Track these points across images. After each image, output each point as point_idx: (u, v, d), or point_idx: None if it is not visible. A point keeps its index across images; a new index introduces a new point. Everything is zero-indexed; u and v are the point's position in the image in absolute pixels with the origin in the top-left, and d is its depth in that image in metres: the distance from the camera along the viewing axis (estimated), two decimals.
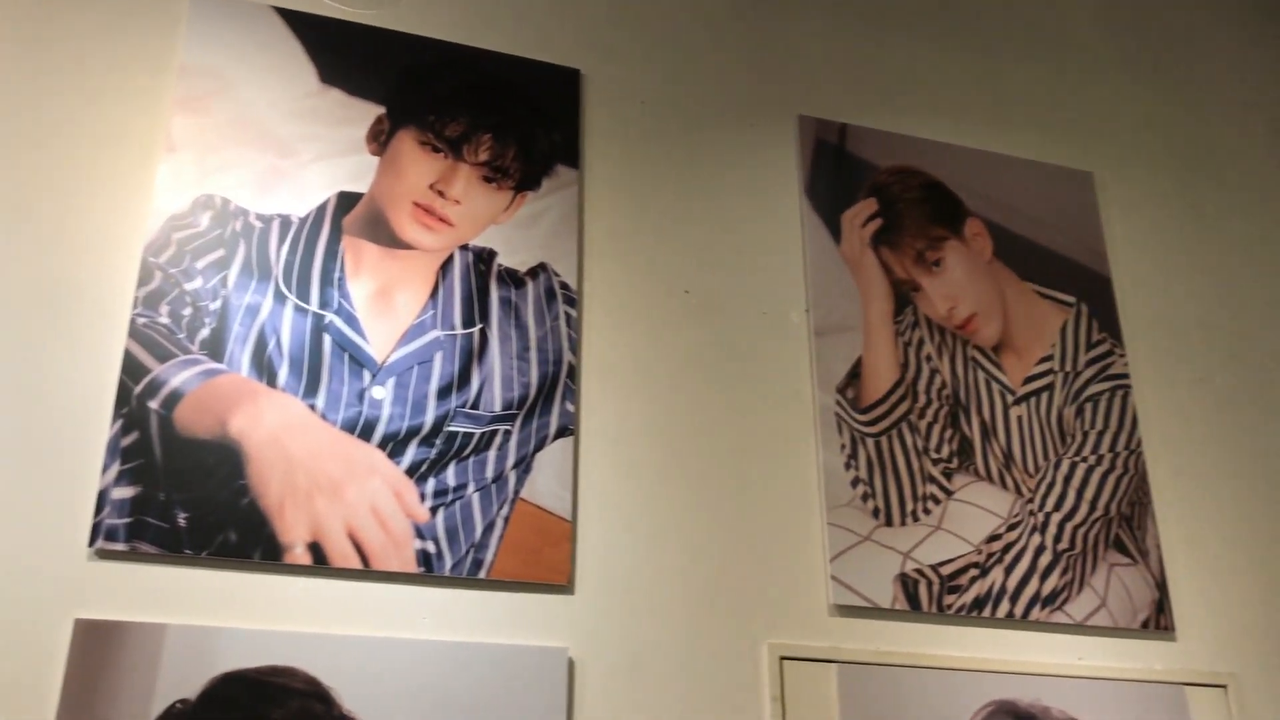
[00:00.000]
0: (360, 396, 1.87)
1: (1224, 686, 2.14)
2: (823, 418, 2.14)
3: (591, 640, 1.85)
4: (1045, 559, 2.13)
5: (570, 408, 1.99)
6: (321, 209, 1.99)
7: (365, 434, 1.86)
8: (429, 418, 1.90)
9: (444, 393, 1.92)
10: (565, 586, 1.88)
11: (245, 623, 1.70)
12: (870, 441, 2.14)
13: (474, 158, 2.08)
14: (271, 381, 1.84)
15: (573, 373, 2.02)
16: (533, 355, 2.00)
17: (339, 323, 1.91)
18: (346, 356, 1.89)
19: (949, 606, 2.05)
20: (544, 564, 1.87)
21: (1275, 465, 2.42)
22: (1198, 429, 2.40)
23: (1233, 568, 2.28)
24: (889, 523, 2.09)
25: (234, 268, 1.90)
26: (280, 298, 1.90)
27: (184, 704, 1.62)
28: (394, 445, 1.86)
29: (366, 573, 1.78)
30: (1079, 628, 2.11)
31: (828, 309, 2.23)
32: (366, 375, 1.89)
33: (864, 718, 1.92)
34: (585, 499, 1.95)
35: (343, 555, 1.77)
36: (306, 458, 1.81)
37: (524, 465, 1.92)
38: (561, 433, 1.97)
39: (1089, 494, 2.21)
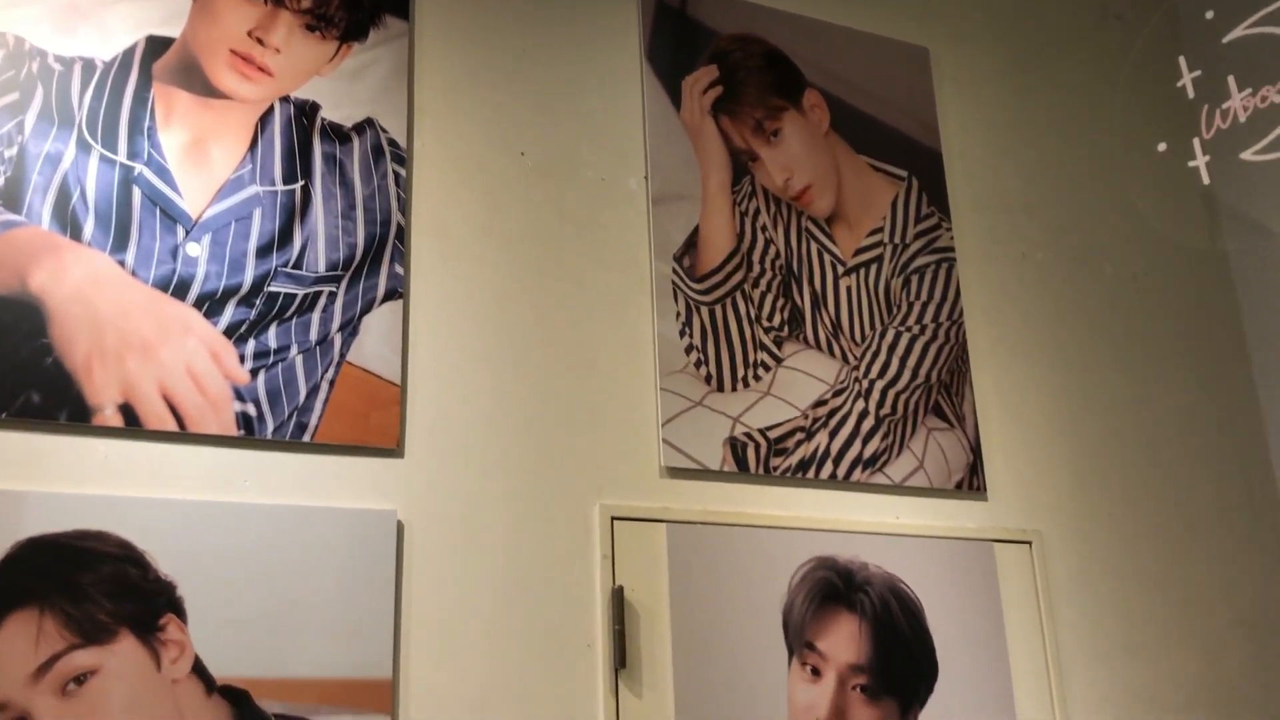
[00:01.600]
0: (173, 253, 1.78)
1: (1029, 543, 2.27)
2: (659, 285, 2.14)
3: (421, 503, 1.84)
4: (868, 424, 2.21)
5: (399, 270, 1.94)
6: (129, 53, 1.86)
7: (179, 293, 1.77)
8: (248, 277, 1.82)
9: (264, 251, 1.84)
10: (394, 450, 1.85)
11: (52, 486, 1.63)
12: (704, 309, 2.16)
13: (296, 4, 1.96)
14: (76, 235, 1.73)
15: (401, 234, 1.96)
16: (359, 215, 1.93)
17: (149, 175, 1.80)
18: (158, 211, 1.79)
19: (775, 469, 2.11)
20: (371, 428, 1.84)
21: (1089, 339, 2.54)
22: (1017, 302, 2.50)
23: (1043, 434, 2.40)
24: (720, 388, 2.12)
25: (31, 113, 1.77)
26: (85, 147, 1.78)
27: None
28: (210, 305, 1.79)
29: (183, 435, 1.72)
30: (897, 489, 2.20)
31: (666, 176, 2.22)
32: (180, 231, 1.80)
33: (692, 574, 1.97)
34: (415, 363, 1.91)
35: (157, 417, 1.70)
36: (116, 316, 1.72)
37: (350, 328, 1.87)
38: (390, 295, 1.92)
39: (911, 362, 2.28)
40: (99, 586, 1.58)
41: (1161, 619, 2.37)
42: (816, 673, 1.98)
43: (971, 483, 2.27)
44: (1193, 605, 2.41)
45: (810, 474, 2.13)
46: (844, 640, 2.01)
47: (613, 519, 1.96)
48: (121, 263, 1.75)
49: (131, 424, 1.69)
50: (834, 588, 2.05)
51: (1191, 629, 2.39)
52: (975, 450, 2.29)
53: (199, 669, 1.61)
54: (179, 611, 1.62)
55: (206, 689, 1.61)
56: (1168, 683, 2.32)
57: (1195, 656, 2.37)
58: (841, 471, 2.16)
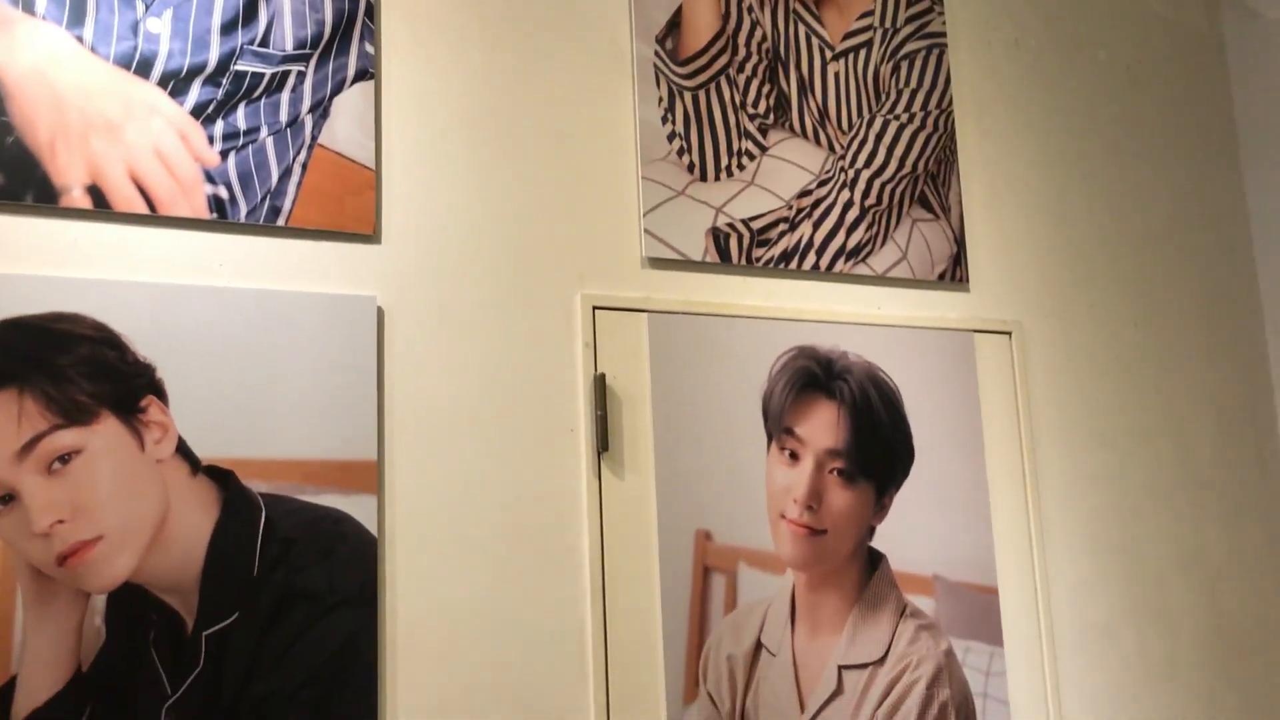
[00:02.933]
0: (134, 29, 1.71)
1: (1009, 334, 2.29)
2: (640, 69, 2.07)
3: (400, 289, 1.83)
4: (852, 214, 2.18)
5: (370, 49, 1.86)
6: None
7: (142, 71, 1.70)
8: (213, 55, 1.75)
9: (228, 28, 1.77)
10: (371, 236, 1.82)
11: (22, 268, 1.60)
12: (687, 95, 2.10)
13: None
14: (29, 8, 1.65)
15: (371, 11, 1.88)
16: None
17: None
18: None
19: (758, 259, 2.09)
20: (346, 212, 1.80)
21: (1078, 130, 2.50)
22: (1008, 91, 2.44)
23: (1028, 226, 2.39)
24: (703, 178, 2.08)
25: None
26: None
27: None
28: (175, 84, 1.72)
29: (154, 218, 1.69)
30: (880, 279, 2.19)
31: None
32: (140, 5, 1.71)
33: (673, 363, 1.98)
34: (389, 147, 1.86)
35: (125, 199, 1.66)
36: (77, 95, 1.65)
37: (321, 109, 1.81)
38: (361, 76, 1.85)
39: (899, 151, 2.24)
40: (77, 368, 1.57)
41: (1136, 411, 2.41)
42: (795, 457, 2.01)
43: (954, 274, 2.26)
44: (1167, 398, 2.45)
45: (793, 265, 2.12)
46: (822, 426, 2.04)
47: (594, 308, 1.95)
48: (79, 38, 1.67)
49: (100, 206, 1.65)
50: (814, 376, 2.06)
51: (1165, 421, 2.44)
52: (959, 241, 2.28)
53: (183, 450, 1.63)
54: (159, 393, 1.62)
55: (191, 469, 1.63)
56: (1138, 471, 2.38)
57: (1167, 447, 2.43)
58: (824, 262, 2.14)
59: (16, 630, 1.50)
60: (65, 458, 1.54)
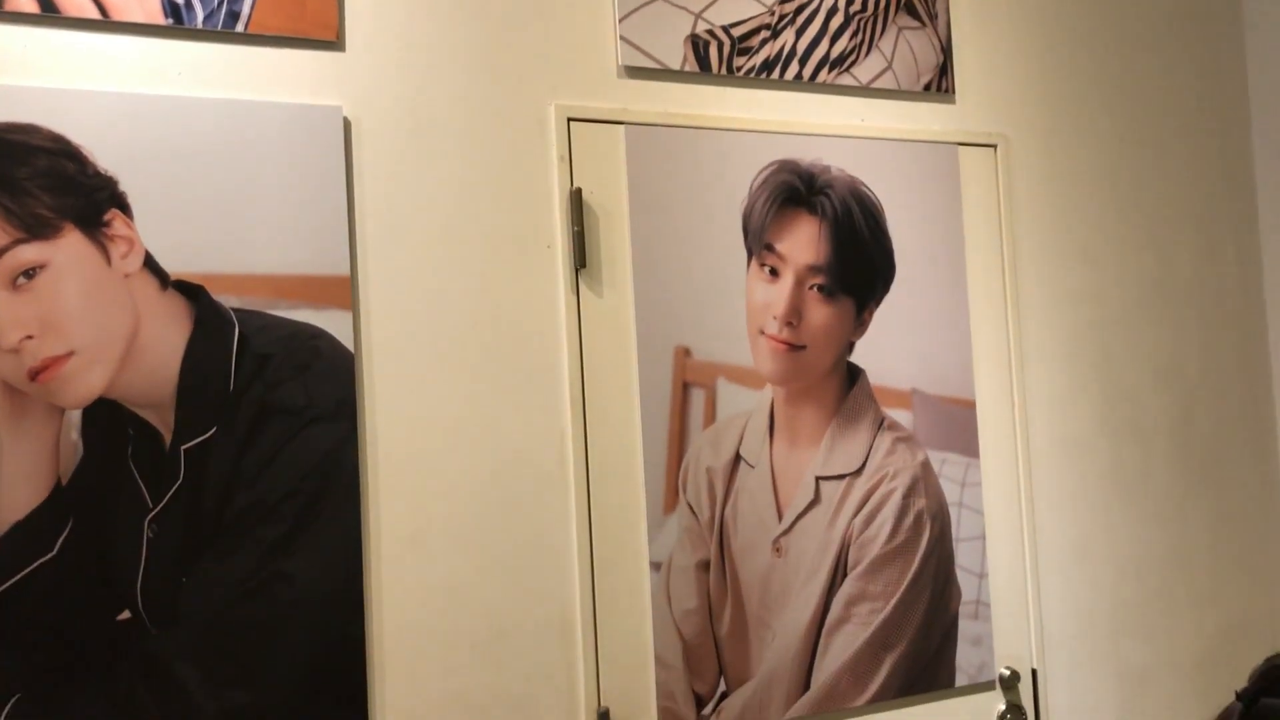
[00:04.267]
0: None
1: (994, 146, 2.24)
2: None
3: (367, 99, 1.76)
4: (837, 21, 2.10)
5: None
6: None
7: None
8: None
9: None
10: (335, 43, 1.75)
11: None
12: None
13: None
14: None
15: None
16: None
17: None
18: None
19: (738, 69, 2.03)
20: (308, 17, 1.72)
21: None
22: None
23: (1016, 35, 2.31)
24: None
25: None
26: None
27: None
28: None
29: (106, 23, 1.61)
30: (864, 90, 2.13)
31: None
32: None
33: (650, 177, 1.93)
34: None
35: (75, 3, 1.58)
36: None
37: None
38: None
39: None
40: (36, 181, 1.52)
41: (1118, 224, 2.39)
42: (775, 273, 1.99)
43: (940, 84, 2.20)
44: (1151, 214, 2.43)
45: (775, 74, 2.05)
46: (803, 242, 2.01)
47: (569, 120, 1.89)
48: None
49: (49, 11, 1.57)
50: (795, 191, 2.02)
51: (1148, 237, 2.42)
52: (946, 51, 2.21)
53: (151, 264, 1.59)
54: (123, 207, 1.58)
55: (160, 284, 1.60)
56: (1119, 284, 2.37)
57: (1149, 260, 2.42)
58: (807, 72, 2.08)
59: None
60: (30, 273, 1.51)
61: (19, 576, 1.49)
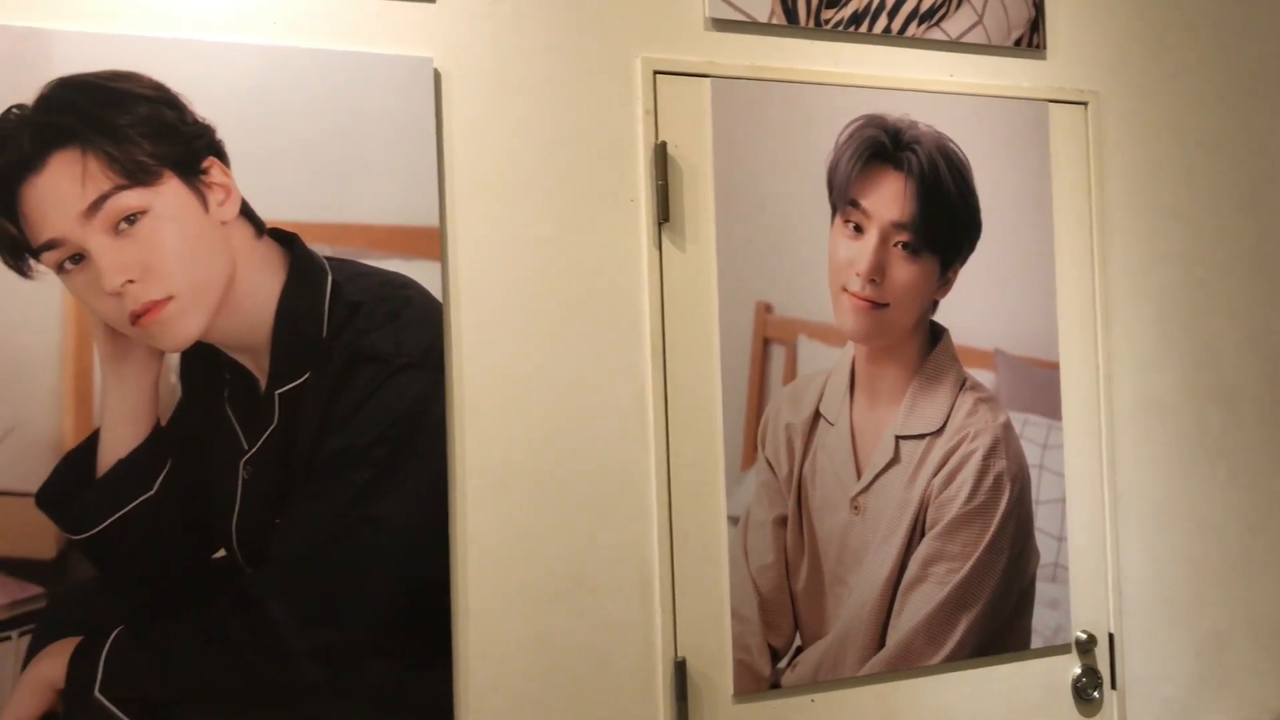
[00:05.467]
0: None
1: (1085, 104, 2.19)
2: None
3: (458, 51, 1.77)
4: None
5: None
6: None
7: None
8: None
9: None
10: None
11: (77, 24, 1.56)
12: None
13: None
14: None
15: None
16: None
17: None
18: None
19: (826, 22, 2.00)
20: None
21: None
22: None
23: None
24: None
25: None
26: None
27: (20, 109, 1.52)
28: None
29: None
30: (953, 45, 2.10)
31: None
32: None
33: (735, 131, 1.92)
34: None
35: None
36: None
37: None
38: None
39: None
40: (137, 128, 1.56)
41: (1214, 186, 2.33)
42: (859, 229, 1.98)
43: (1031, 40, 2.15)
44: (1248, 173, 2.36)
45: (863, 28, 2.03)
46: (888, 198, 1.99)
47: (655, 73, 1.89)
48: None
49: None
50: (881, 146, 2.00)
51: (1243, 197, 2.36)
52: (1038, 5, 2.16)
53: (247, 212, 1.62)
54: (220, 155, 1.61)
55: (256, 232, 1.63)
56: (1212, 246, 2.32)
57: (1245, 222, 2.35)
58: (896, 26, 2.05)
59: (96, 386, 1.54)
60: (131, 218, 1.54)
61: (121, 513, 1.54)
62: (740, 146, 1.93)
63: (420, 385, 1.69)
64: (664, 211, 1.87)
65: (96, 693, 1.51)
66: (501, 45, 1.80)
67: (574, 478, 1.80)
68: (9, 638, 1.49)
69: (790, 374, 1.94)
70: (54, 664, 1.50)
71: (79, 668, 1.50)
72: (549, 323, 1.80)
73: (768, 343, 1.93)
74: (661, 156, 1.87)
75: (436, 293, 1.72)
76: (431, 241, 1.72)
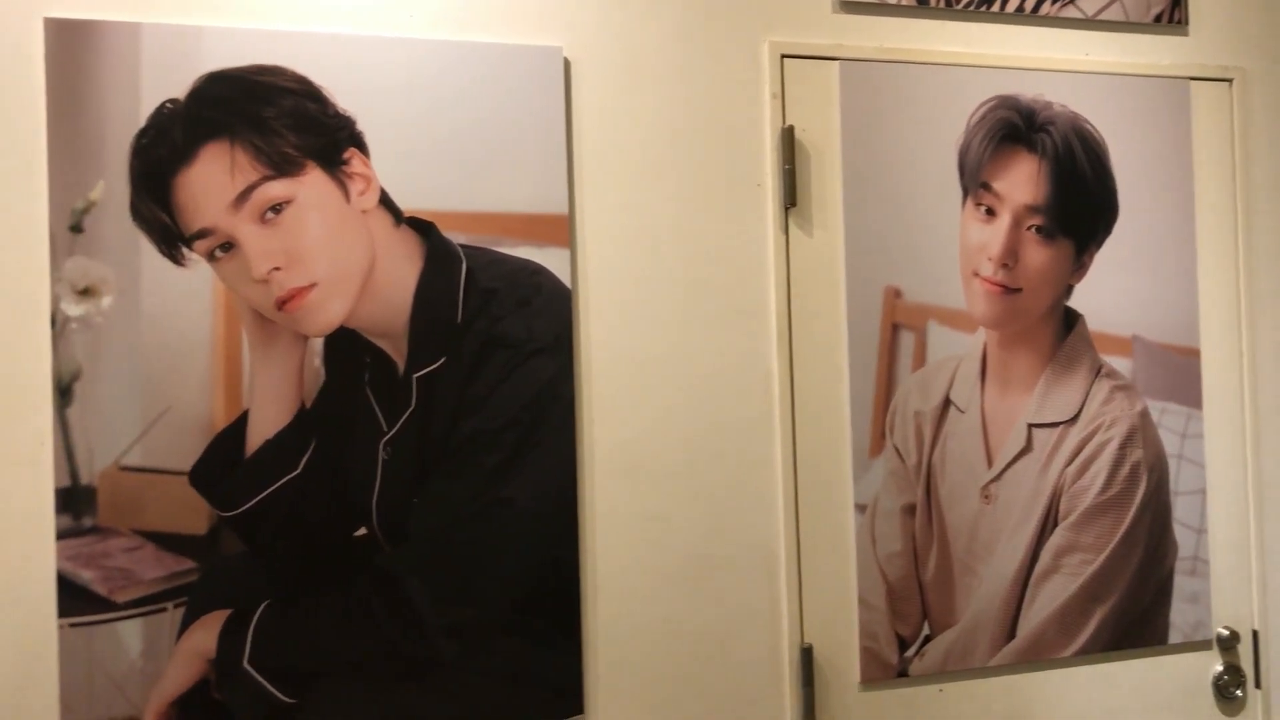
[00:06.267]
0: None
1: (1229, 81, 2.11)
2: None
3: (587, 39, 1.79)
4: None
5: None
6: None
7: None
8: None
9: None
10: None
11: (225, 21, 1.63)
12: None
13: None
14: None
15: None
16: None
17: None
18: None
19: (957, 1, 1.97)
20: None
21: None
22: None
23: None
24: None
25: None
26: None
27: (173, 104, 1.59)
28: None
29: None
30: (1090, 23, 2.04)
31: None
32: None
33: (865, 114, 1.90)
34: None
35: None
36: None
37: None
38: None
39: None
40: (282, 120, 1.61)
41: None
42: (991, 212, 1.94)
43: (1172, 15, 2.08)
44: None
45: (995, 7, 1.98)
46: (1022, 180, 1.94)
47: (782, 56, 1.88)
48: None
49: None
50: (1014, 127, 1.96)
51: None
52: None
53: (385, 201, 1.67)
54: (360, 146, 1.66)
55: (394, 220, 1.67)
56: None
57: None
58: (1030, 4, 2.00)
59: (245, 369, 1.61)
60: (277, 208, 1.60)
61: (268, 491, 1.60)
62: (869, 129, 1.91)
63: (550, 370, 1.72)
64: (791, 196, 1.86)
65: (245, 663, 1.57)
66: (630, 32, 1.81)
67: (700, 462, 1.81)
68: (165, 609, 1.57)
69: (920, 360, 1.91)
70: (206, 635, 1.57)
71: (229, 639, 1.57)
72: (676, 308, 1.81)
73: (897, 329, 1.90)
74: (789, 141, 1.86)
75: (566, 279, 1.74)
76: (561, 229, 1.75)
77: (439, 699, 1.65)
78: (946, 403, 1.92)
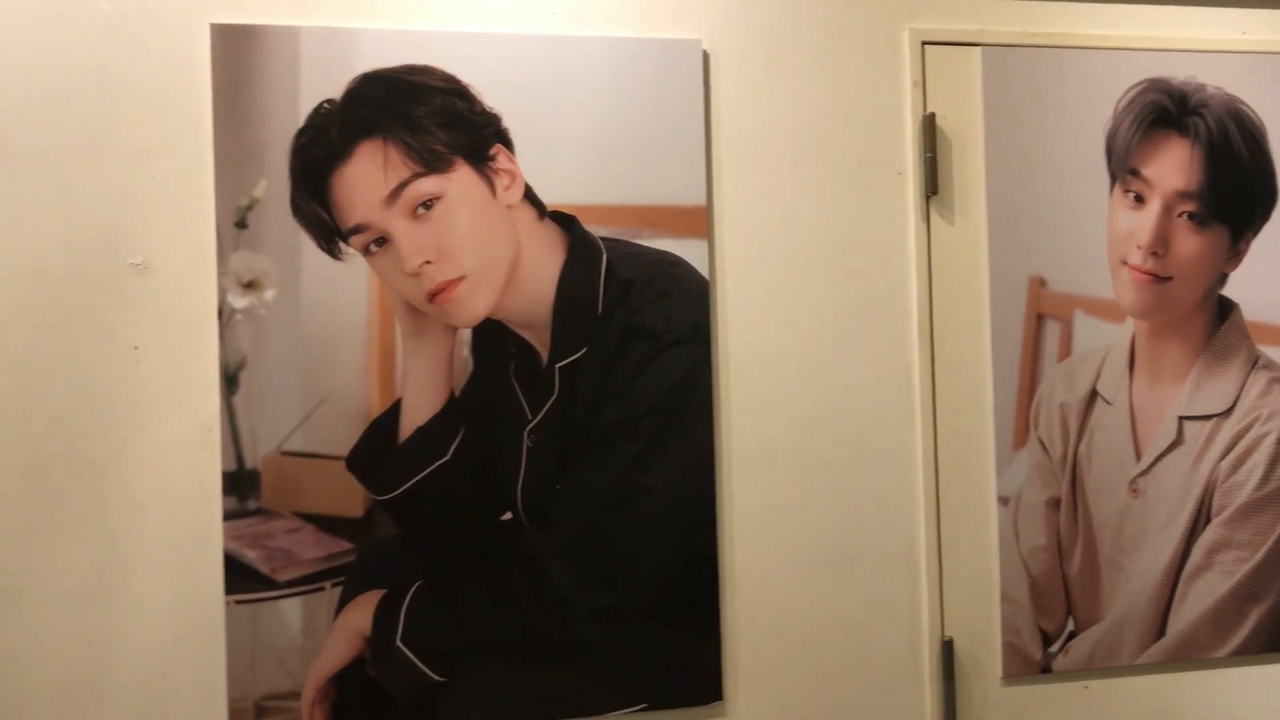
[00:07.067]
0: None
1: None
2: None
3: (725, 31, 1.80)
4: None
5: None
6: None
7: None
8: None
9: None
10: None
11: (378, 22, 1.69)
12: None
13: None
14: None
15: None
16: None
17: None
18: None
19: None
20: None
21: None
22: None
23: None
24: None
25: None
26: None
27: (330, 104, 1.65)
28: None
29: None
30: (1246, 0, 1.96)
31: None
32: None
33: (1007, 100, 1.87)
34: None
35: None
36: None
37: None
38: None
39: None
40: (432, 118, 1.66)
41: None
42: (1140, 199, 1.88)
43: None
44: None
45: None
46: (1172, 166, 1.89)
47: (923, 43, 1.86)
48: None
49: None
50: (1165, 111, 1.90)
51: None
52: None
53: (529, 196, 1.71)
54: (506, 142, 1.70)
55: (538, 214, 1.71)
56: None
57: None
58: None
59: (398, 359, 1.67)
60: (428, 203, 1.65)
61: (419, 476, 1.66)
62: (1012, 115, 1.87)
63: (688, 361, 1.74)
64: (932, 184, 1.84)
65: (398, 642, 1.63)
66: (769, 23, 1.82)
67: (838, 453, 1.81)
68: (323, 588, 1.64)
69: (1065, 351, 1.88)
70: (362, 614, 1.64)
71: (383, 618, 1.63)
72: (814, 298, 1.81)
73: (1041, 318, 1.87)
74: (930, 128, 1.84)
75: (704, 270, 1.76)
76: (699, 220, 1.76)
77: (581, 680, 1.69)
78: (1093, 394, 1.88)
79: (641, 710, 1.70)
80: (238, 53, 1.63)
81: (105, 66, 1.61)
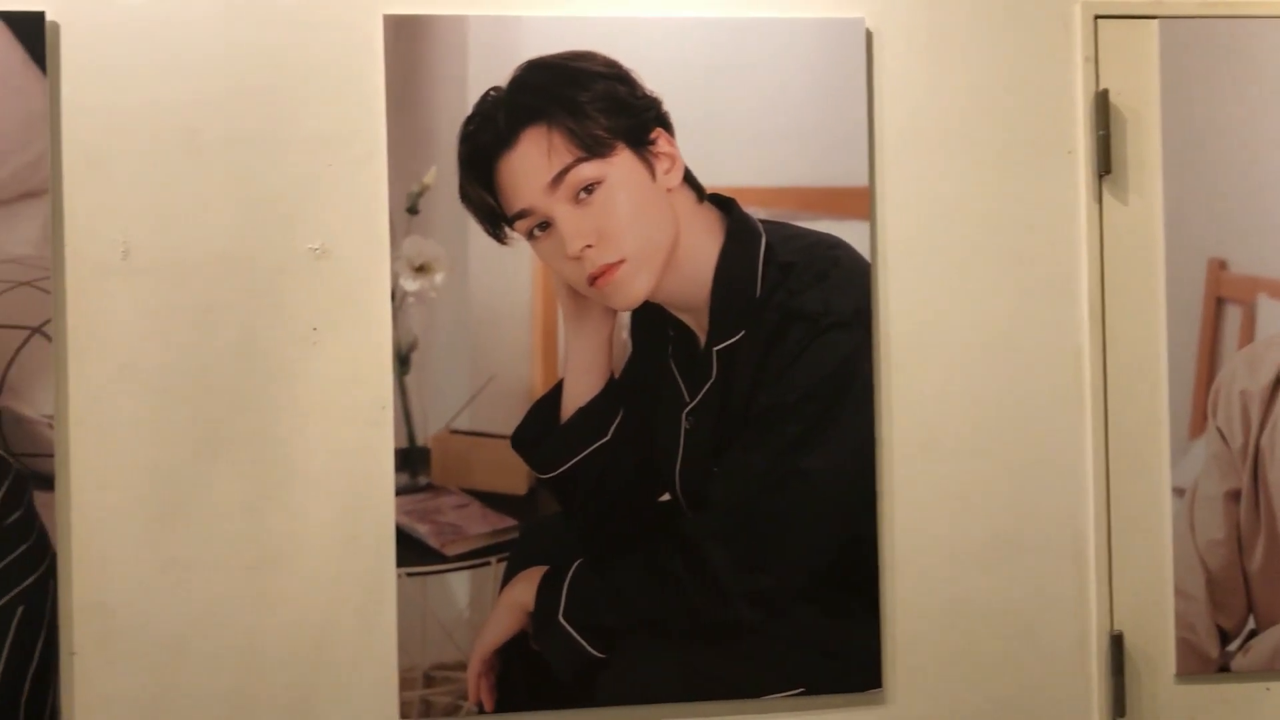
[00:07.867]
0: None
1: None
2: None
3: (889, 9, 1.77)
4: None
5: None
6: None
7: None
8: None
9: None
10: None
11: (542, 10, 1.72)
12: None
13: None
14: None
15: None
16: None
17: None
18: None
19: None
20: None
21: None
22: None
23: None
24: None
25: None
26: None
27: (496, 91, 1.69)
28: None
29: None
30: None
31: None
32: None
33: (1186, 75, 1.79)
34: None
35: None
36: None
37: None
38: None
39: None
40: (594, 104, 1.68)
41: None
42: None
43: None
44: None
45: None
46: None
47: (1096, 17, 1.79)
48: None
49: None
50: None
51: None
52: None
53: (689, 179, 1.72)
54: (666, 126, 1.71)
55: (697, 197, 1.72)
56: None
57: None
58: None
59: (560, 341, 1.70)
60: (589, 188, 1.67)
61: (581, 456, 1.69)
62: (1190, 90, 1.79)
63: (848, 345, 1.72)
64: (1105, 163, 1.77)
65: (560, 617, 1.67)
66: (932, 0, 1.78)
67: (1003, 440, 1.77)
68: (489, 563, 1.69)
69: (1247, 337, 1.79)
70: (526, 589, 1.68)
71: (546, 593, 1.67)
72: (978, 281, 1.77)
73: (1221, 303, 1.79)
74: (1103, 105, 1.78)
75: (865, 252, 1.74)
76: (861, 202, 1.74)
77: (739, 662, 1.69)
78: (1277, 382, 1.79)
79: (799, 694, 1.70)
80: (409, 43, 1.69)
81: (285, 59, 1.68)
